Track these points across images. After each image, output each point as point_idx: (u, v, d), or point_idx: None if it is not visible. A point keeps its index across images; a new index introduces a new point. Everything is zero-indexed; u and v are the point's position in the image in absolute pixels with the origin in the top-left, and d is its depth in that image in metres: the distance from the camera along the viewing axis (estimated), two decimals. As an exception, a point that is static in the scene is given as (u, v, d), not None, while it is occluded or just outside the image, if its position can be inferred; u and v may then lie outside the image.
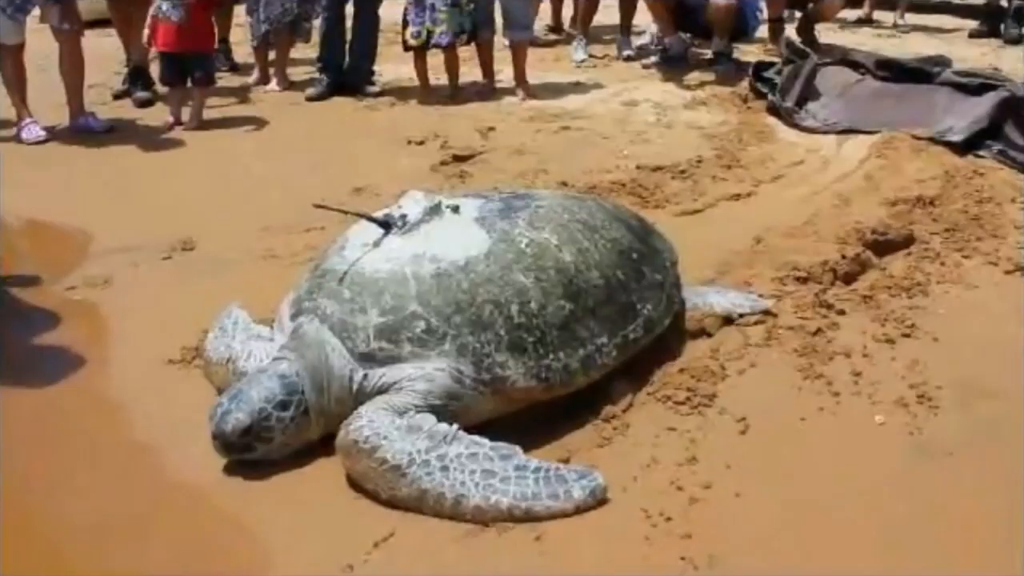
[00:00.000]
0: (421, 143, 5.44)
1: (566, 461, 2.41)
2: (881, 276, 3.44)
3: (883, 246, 3.67)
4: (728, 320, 3.07)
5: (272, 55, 7.21)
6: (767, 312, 3.11)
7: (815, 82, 5.81)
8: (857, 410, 2.64)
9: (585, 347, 2.58)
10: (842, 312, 3.15)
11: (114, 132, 5.98)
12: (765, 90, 5.97)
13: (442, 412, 2.41)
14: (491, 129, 5.66)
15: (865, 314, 3.15)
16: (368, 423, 2.33)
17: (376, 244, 2.63)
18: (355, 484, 2.33)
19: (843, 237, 3.70)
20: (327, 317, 2.52)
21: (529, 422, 2.53)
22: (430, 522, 2.23)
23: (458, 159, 5.04)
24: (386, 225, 2.65)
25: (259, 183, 4.85)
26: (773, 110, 5.77)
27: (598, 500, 2.24)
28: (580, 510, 2.22)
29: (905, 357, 2.89)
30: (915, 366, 2.83)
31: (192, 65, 6.05)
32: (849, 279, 3.42)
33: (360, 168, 4.91)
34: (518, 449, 2.33)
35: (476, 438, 2.34)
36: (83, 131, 5.99)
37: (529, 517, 2.20)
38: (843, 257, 3.49)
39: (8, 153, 5.66)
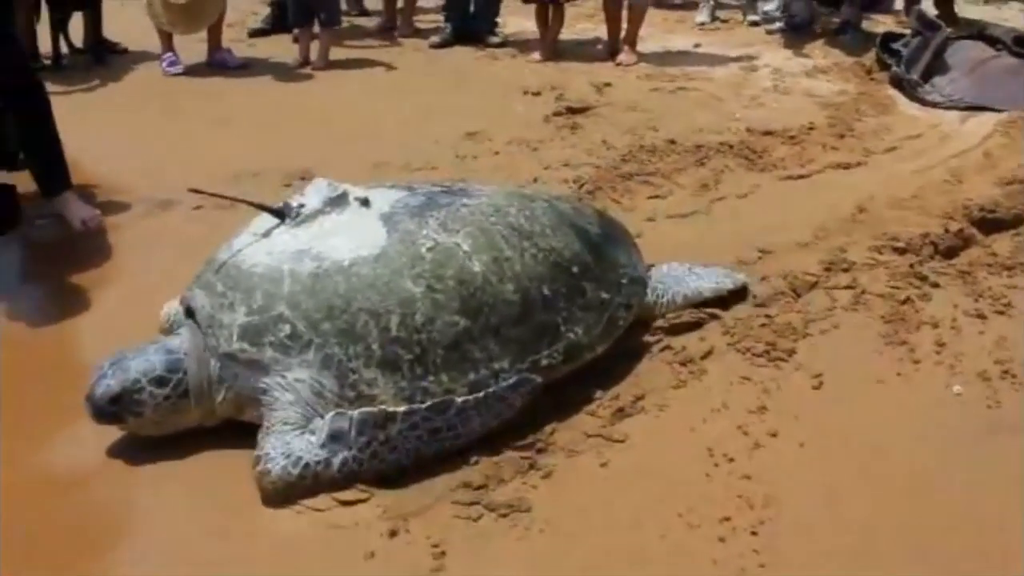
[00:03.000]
0: (537, 94, 5.55)
1: (640, 398, 2.53)
2: (983, 253, 3.39)
3: (990, 224, 3.60)
4: (702, 304, 2.91)
5: (400, 2, 7.41)
6: (741, 289, 2.99)
7: (945, 56, 5.62)
8: (936, 379, 2.65)
9: (477, 371, 2.33)
10: (936, 285, 3.13)
11: (246, 68, 6.29)
12: (891, 62, 5.81)
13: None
14: (607, 85, 5.72)
15: (960, 289, 3.13)
16: (287, 460, 2.18)
17: (265, 235, 2.44)
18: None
19: (949, 212, 3.65)
20: (198, 310, 2.38)
21: (606, 360, 2.63)
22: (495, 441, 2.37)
23: (572, 111, 5.13)
24: (280, 215, 2.47)
25: (377, 122, 5.05)
26: (896, 82, 5.62)
27: (536, 393, 2.34)
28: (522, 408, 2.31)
29: (995, 333, 2.87)
30: (1003, 343, 2.81)
31: (318, 7, 6.30)
32: (950, 254, 3.38)
33: (475, 114, 5.05)
34: (453, 399, 2.26)
35: (407, 408, 2.23)
36: (218, 66, 6.33)
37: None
38: (946, 231, 3.46)
39: (150, 83, 6.04)
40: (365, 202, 2.51)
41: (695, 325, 2.86)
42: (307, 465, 2.17)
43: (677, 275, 2.95)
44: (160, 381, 2.32)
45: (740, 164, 4.31)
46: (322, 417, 2.24)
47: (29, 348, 2.91)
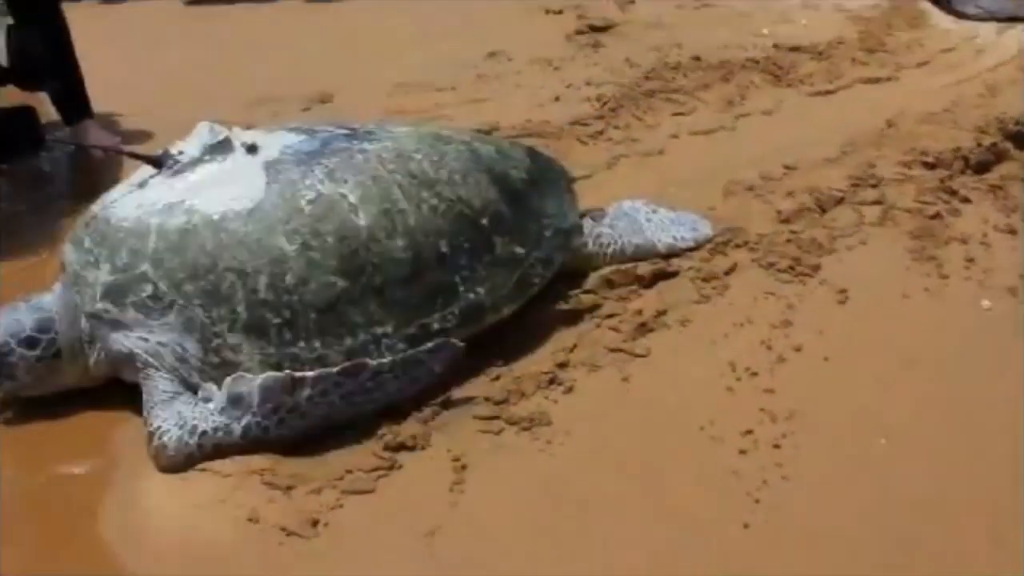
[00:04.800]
0: (559, 12, 5.41)
1: (663, 313, 2.51)
2: (1017, 168, 3.29)
3: (1025, 138, 3.51)
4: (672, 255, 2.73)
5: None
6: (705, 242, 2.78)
7: (981, -33, 5.43)
8: (964, 294, 2.61)
9: (355, 336, 2.17)
10: (966, 200, 3.06)
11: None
12: (925, -26, 5.61)
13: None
14: (630, 2, 5.56)
15: (992, 204, 3.05)
16: (181, 430, 2.06)
17: (140, 185, 2.29)
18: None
19: (982, 126, 3.55)
20: (67, 265, 2.26)
21: (630, 277, 2.62)
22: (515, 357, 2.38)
23: (594, 29, 5.01)
24: (158, 163, 2.32)
25: (396, 43, 4.96)
26: (931, -6, 5.44)
27: (457, 361, 2.15)
28: (443, 377, 2.17)
29: (1026, 249, 2.81)
30: (1035, 259, 2.76)
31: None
32: (981, 169, 3.29)
33: (496, 34, 4.95)
34: (367, 361, 2.12)
35: (318, 373, 2.09)
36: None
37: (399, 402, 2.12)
38: (978, 145, 3.36)
39: (169, 9, 5.97)
40: (252, 148, 2.31)
41: (719, 243, 2.83)
42: (204, 433, 2.06)
43: (634, 219, 2.75)
44: (30, 342, 2.20)
45: (766, 80, 4.21)
46: (190, 385, 2.13)
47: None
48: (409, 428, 2.15)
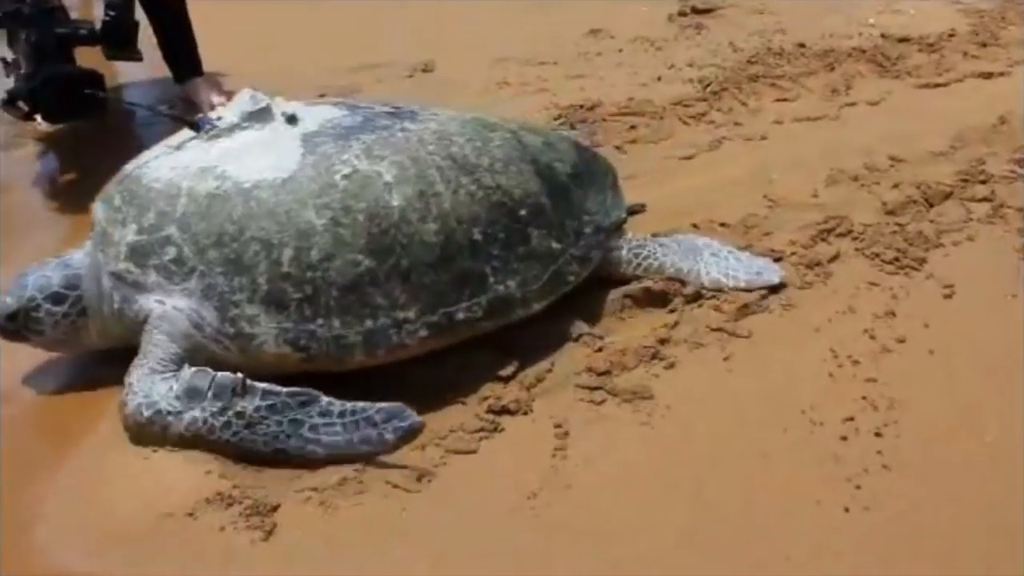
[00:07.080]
0: (661, -7, 5.39)
1: (765, 296, 2.51)
2: None
3: None
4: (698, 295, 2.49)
5: None
6: (772, 288, 2.50)
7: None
8: (1077, 296, 2.56)
9: (376, 319, 2.11)
10: (1083, 201, 3.00)
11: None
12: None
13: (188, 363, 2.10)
14: (733, -15, 5.51)
15: (1107, 207, 2.99)
16: (144, 400, 2.04)
17: (177, 148, 2.29)
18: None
19: (1099, 127, 3.46)
20: (97, 222, 2.24)
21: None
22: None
23: (696, 11, 4.97)
24: (197, 127, 2.30)
25: (497, 16, 4.98)
26: (1048, -11, 5.27)
27: (414, 436, 2.01)
28: (396, 449, 2.01)
29: None
30: None
31: None
32: (1097, 171, 3.21)
33: (597, 11, 4.94)
34: (318, 394, 2.04)
35: (268, 386, 2.03)
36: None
37: (349, 459, 2.00)
38: (1094, 147, 3.28)
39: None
40: (292, 119, 2.29)
41: (822, 231, 2.81)
42: (159, 412, 2.03)
43: (695, 247, 2.57)
44: (56, 298, 2.21)
45: (872, 70, 4.13)
46: (187, 362, 2.10)
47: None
48: (512, 393, 2.20)
